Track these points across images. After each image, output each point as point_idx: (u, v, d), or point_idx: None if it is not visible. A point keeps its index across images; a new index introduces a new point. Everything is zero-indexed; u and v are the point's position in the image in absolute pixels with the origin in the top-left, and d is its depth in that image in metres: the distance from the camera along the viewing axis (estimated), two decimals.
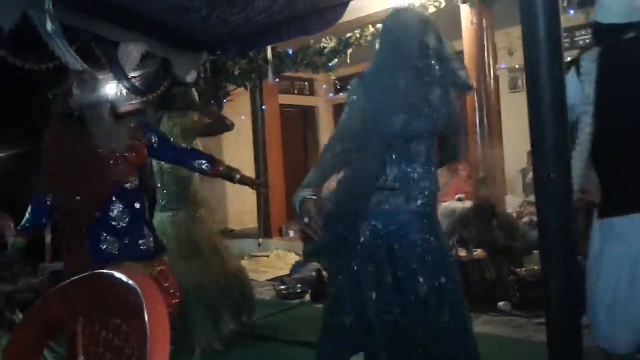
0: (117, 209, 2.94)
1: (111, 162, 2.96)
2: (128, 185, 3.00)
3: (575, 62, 2.38)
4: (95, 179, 2.91)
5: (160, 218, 4.04)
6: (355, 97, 2.25)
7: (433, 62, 2.20)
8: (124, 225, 2.94)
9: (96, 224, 2.91)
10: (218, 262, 4.05)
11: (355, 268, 2.21)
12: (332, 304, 2.34)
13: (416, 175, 2.19)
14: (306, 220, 2.20)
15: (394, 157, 2.20)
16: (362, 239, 2.22)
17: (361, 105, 2.22)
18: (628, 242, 2.25)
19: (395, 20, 2.33)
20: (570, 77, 2.28)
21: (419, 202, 2.19)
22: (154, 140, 3.23)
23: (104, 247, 2.88)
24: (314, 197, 2.21)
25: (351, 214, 2.26)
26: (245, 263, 6.37)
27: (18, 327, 1.24)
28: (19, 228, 3.03)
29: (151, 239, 3.05)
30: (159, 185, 4.11)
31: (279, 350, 3.69)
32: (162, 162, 3.98)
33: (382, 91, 2.21)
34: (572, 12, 5.03)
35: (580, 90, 2.29)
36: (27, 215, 2.99)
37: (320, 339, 2.30)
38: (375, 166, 2.21)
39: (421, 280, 2.14)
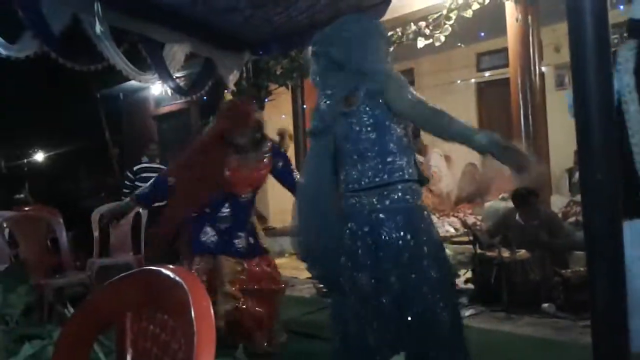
0: (225, 213, 3.37)
1: (238, 179, 3.38)
2: (243, 198, 3.43)
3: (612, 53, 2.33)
4: (218, 187, 3.34)
5: None
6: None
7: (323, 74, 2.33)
8: (226, 226, 3.37)
9: (203, 217, 3.35)
10: None
11: (340, 273, 2.24)
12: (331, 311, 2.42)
13: (372, 170, 2.18)
14: None
15: (347, 159, 2.24)
16: (342, 242, 2.23)
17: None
18: None
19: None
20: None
21: (392, 198, 2.17)
22: (279, 164, 3.51)
23: (203, 239, 3.33)
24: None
25: (315, 221, 2.30)
26: (285, 261, 6.41)
27: (69, 321, 1.29)
28: (135, 195, 3.51)
29: (249, 239, 3.44)
30: None
31: (319, 347, 3.71)
32: None
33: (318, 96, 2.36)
34: (621, 7, 4.89)
35: (617, 80, 2.23)
36: (147, 189, 3.45)
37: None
38: (316, 170, 2.31)
39: (393, 279, 2.12)
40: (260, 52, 5.50)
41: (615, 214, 1.23)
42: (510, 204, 5.42)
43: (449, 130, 2.09)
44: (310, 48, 2.42)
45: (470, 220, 6.00)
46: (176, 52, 4.70)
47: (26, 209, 6.40)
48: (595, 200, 1.23)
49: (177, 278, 0.99)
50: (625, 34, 2.53)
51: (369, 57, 2.26)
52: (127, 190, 5.91)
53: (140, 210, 6.01)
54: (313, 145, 2.41)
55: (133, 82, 6.99)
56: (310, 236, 2.32)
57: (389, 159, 2.17)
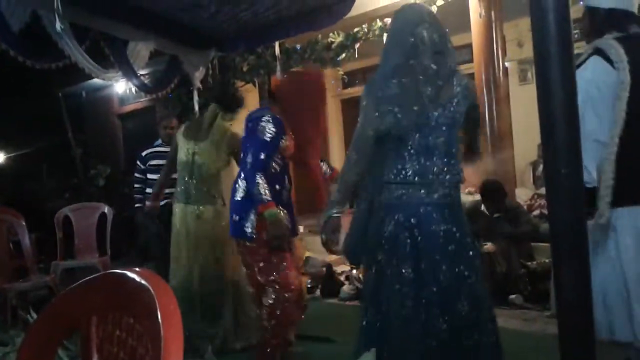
0: (287, 187, 3.32)
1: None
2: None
3: (597, 51, 2.35)
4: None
5: (183, 209, 4.07)
6: (364, 102, 2.31)
7: (427, 58, 2.24)
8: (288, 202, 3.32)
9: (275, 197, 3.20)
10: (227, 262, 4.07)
11: (382, 262, 2.28)
12: (363, 299, 2.46)
13: (435, 168, 2.24)
14: (324, 237, 2.43)
15: (411, 151, 2.25)
16: (385, 233, 2.28)
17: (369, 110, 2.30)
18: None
19: (395, 18, 2.42)
20: (599, 64, 2.29)
21: (439, 193, 2.24)
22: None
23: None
24: (338, 215, 2.40)
25: (362, 211, 2.35)
26: None
27: (32, 326, 1.25)
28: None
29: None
30: (186, 178, 4.09)
31: (314, 347, 3.71)
32: (196, 156, 4.02)
33: (378, 89, 2.27)
34: (581, 2, 4.98)
35: (616, 76, 2.27)
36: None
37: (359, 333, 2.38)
38: (362, 162, 2.30)
39: (444, 268, 2.20)
40: (226, 49, 5.45)
41: (579, 206, 1.25)
42: (476, 198, 5.50)
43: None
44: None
45: None
46: (140, 50, 4.62)
47: None
48: (559, 193, 1.25)
49: (143, 281, 0.97)
50: (589, 29, 2.55)
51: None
52: (139, 185, 5.09)
53: (106, 209, 5.92)
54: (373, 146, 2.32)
55: (96, 80, 6.86)
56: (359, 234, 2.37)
57: (452, 161, 2.28)
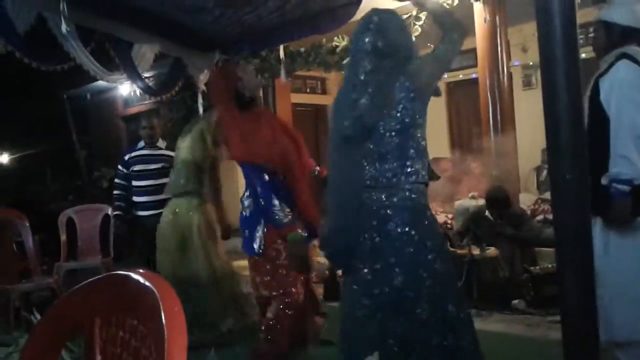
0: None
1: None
2: None
3: (624, 56, 2.42)
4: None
5: (176, 202, 4.18)
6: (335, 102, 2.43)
7: (384, 61, 2.30)
8: None
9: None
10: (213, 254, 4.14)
11: (350, 264, 2.35)
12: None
13: (390, 172, 2.27)
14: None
15: (367, 157, 2.31)
16: (353, 236, 2.33)
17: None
18: None
19: (360, 21, 2.47)
20: (630, 66, 2.38)
21: (399, 196, 2.27)
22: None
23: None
24: None
25: (348, 214, 2.36)
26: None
27: (36, 327, 1.26)
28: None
29: None
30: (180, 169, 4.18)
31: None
32: (179, 150, 4.18)
33: (339, 95, 2.38)
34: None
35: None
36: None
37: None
38: (348, 167, 2.34)
39: (397, 270, 2.22)
40: (231, 52, 5.45)
41: (584, 212, 1.25)
42: (479, 202, 5.49)
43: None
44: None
45: (441, 218, 6.05)
46: (145, 52, 4.63)
47: None
48: (564, 199, 1.25)
49: (147, 282, 0.97)
50: (592, 35, 2.62)
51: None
52: (118, 192, 4.78)
53: (109, 211, 5.92)
54: (347, 149, 2.36)
55: (101, 83, 6.88)
56: (343, 234, 2.37)
57: (408, 163, 2.28)
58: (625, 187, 2.29)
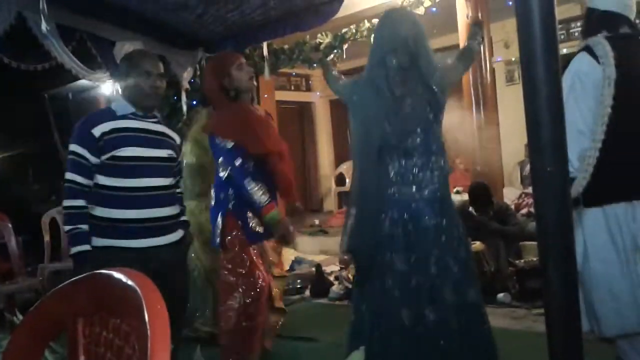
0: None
1: None
2: None
3: (585, 48, 2.41)
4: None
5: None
6: (355, 97, 2.50)
7: (410, 64, 2.42)
8: None
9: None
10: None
11: (378, 258, 2.42)
12: (357, 294, 2.60)
13: (416, 168, 2.40)
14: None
15: (393, 154, 2.42)
16: (382, 230, 2.42)
17: (358, 109, 2.49)
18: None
19: (380, 22, 2.56)
20: (584, 58, 2.37)
21: (428, 189, 2.40)
22: None
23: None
24: None
25: (371, 213, 2.46)
26: None
27: (18, 328, 1.24)
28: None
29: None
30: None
31: (279, 345, 3.70)
32: (197, 159, 4.23)
33: (370, 97, 2.45)
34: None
35: (601, 71, 2.31)
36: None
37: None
38: (372, 169, 2.43)
39: (432, 260, 2.36)
40: (214, 50, 5.43)
41: (566, 205, 1.26)
42: (464, 197, 5.52)
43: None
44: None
45: None
46: (128, 50, 4.60)
47: None
48: (546, 191, 1.26)
49: (129, 281, 0.97)
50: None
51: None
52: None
53: None
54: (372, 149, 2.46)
55: (83, 81, 6.81)
56: (365, 232, 2.46)
57: (432, 159, 2.43)
58: None
